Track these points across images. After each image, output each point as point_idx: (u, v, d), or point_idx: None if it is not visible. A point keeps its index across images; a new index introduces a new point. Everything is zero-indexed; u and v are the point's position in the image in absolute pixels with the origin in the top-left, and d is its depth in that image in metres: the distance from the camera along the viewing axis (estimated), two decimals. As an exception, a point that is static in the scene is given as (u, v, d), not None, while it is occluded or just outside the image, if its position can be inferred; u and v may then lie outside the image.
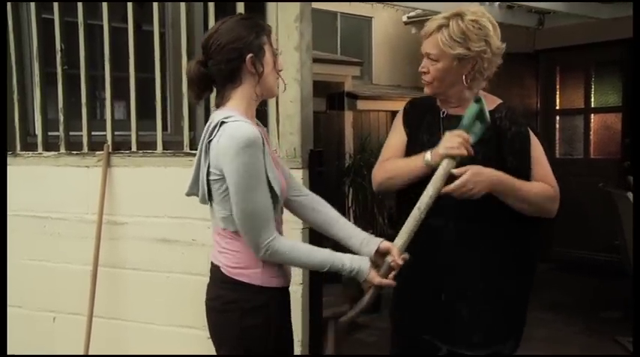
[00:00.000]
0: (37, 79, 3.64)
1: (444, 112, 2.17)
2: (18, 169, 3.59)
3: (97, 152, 3.43)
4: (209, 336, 2.04)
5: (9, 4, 3.64)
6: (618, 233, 4.95)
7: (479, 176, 1.95)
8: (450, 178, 1.95)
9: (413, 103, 2.32)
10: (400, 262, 1.96)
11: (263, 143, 1.85)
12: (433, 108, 2.20)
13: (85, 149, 3.50)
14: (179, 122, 3.47)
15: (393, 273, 1.97)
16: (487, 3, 5.82)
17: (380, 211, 5.98)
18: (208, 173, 1.90)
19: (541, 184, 2.08)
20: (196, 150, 3.25)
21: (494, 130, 2.08)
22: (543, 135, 7.21)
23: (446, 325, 2.12)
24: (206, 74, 1.93)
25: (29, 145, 3.71)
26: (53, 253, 3.53)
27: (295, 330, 2.17)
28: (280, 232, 1.97)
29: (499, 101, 2.18)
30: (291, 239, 2.00)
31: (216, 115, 1.91)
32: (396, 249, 1.97)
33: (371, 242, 2.02)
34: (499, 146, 2.08)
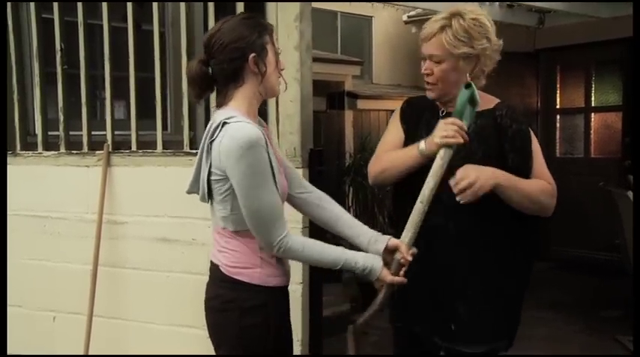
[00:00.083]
0: (37, 78, 3.64)
1: (443, 111, 2.17)
2: (18, 169, 3.59)
3: (97, 152, 3.43)
4: (209, 335, 2.04)
5: (9, 4, 3.64)
6: (618, 232, 4.95)
7: (481, 171, 1.96)
8: (450, 170, 1.96)
9: (410, 102, 2.32)
10: (409, 258, 1.97)
11: (266, 143, 1.85)
12: (431, 106, 2.20)
13: (85, 149, 3.50)
14: (179, 122, 3.48)
15: (404, 269, 1.98)
16: (487, 2, 5.82)
17: (380, 210, 5.98)
18: (210, 173, 1.90)
19: (540, 180, 2.09)
20: (196, 149, 3.25)
21: (495, 127, 2.08)
22: (544, 134, 7.33)
23: (444, 323, 2.12)
24: (208, 73, 1.92)
25: (29, 145, 3.71)
26: (53, 252, 3.53)
27: (295, 329, 2.17)
28: None
29: (497, 100, 2.18)
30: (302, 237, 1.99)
31: (218, 115, 1.91)
32: (404, 245, 1.98)
33: (379, 240, 2.02)
34: (500, 144, 2.08)
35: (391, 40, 8.74)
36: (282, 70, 2.01)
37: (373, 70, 8.97)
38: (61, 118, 3.57)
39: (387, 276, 1.96)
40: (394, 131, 2.25)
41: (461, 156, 1.99)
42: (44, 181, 3.56)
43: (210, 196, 1.94)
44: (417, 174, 2.06)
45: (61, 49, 3.55)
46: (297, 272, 2.79)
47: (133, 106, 3.41)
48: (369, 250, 2.01)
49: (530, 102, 7.36)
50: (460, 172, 1.95)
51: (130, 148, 3.41)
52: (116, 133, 3.47)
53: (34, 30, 3.63)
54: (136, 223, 3.32)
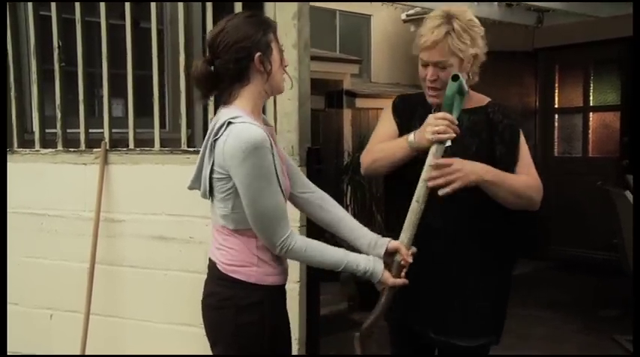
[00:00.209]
0: (34, 76, 3.63)
1: (435, 109, 2.17)
2: (15, 167, 3.58)
3: (95, 149, 3.42)
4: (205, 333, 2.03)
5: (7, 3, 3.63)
6: (617, 232, 4.95)
7: (465, 165, 1.97)
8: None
9: (403, 97, 2.33)
10: (410, 259, 1.99)
11: (271, 143, 1.85)
12: (424, 103, 2.21)
13: (83, 146, 3.50)
14: (177, 120, 3.47)
15: (404, 271, 1.99)
16: (486, 1, 5.81)
17: (378, 209, 5.97)
18: (212, 171, 1.90)
19: (525, 176, 2.11)
20: (194, 147, 3.29)
21: (487, 123, 2.12)
22: (542, 133, 7.32)
23: (440, 317, 2.14)
24: (213, 73, 1.92)
25: (26, 143, 3.70)
26: (50, 250, 3.53)
27: (292, 328, 2.17)
28: None
29: (488, 99, 2.21)
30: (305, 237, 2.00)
31: (222, 114, 1.91)
32: (404, 247, 1.99)
33: (379, 244, 2.03)
34: (491, 138, 2.11)
35: (390, 38, 8.74)
36: (286, 66, 2.02)
37: (372, 69, 8.98)
38: (59, 115, 3.57)
39: (389, 279, 1.98)
40: (387, 124, 2.26)
41: (454, 152, 2.01)
42: (41, 179, 3.56)
43: (211, 193, 1.94)
44: (406, 167, 2.08)
45: (59, 47, 3.54)
46: (294, 271, 2.79)
47: (131, 103, 3.41)
48: (370, 254, 2.02)
49: (528, 101, 7.36)
50: (445, 161, 1.96)
51: (128, 146, 3.40)
52: (114, 130, 3.47)
53: (31, 27, 3.62)
54: (133, 221, 3.32)
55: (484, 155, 2.06)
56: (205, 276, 2.05)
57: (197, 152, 3.07)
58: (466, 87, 2.00)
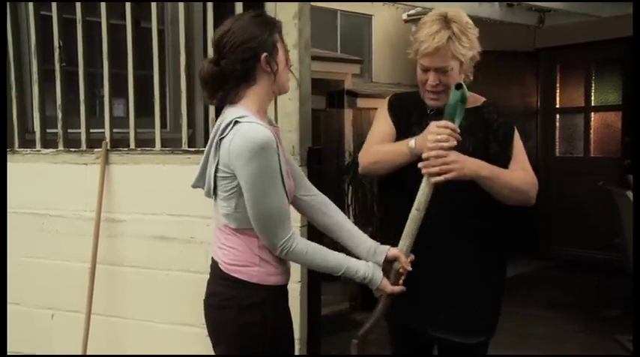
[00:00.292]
0: (35, 76, 3.63)
1: (431, 110, 2.19)
2: (16, 167, 3.58)
3: (96, 149, 3.42)
4: (207, 334, 2.03)
5: (7, 2, 3.63)
6: (618, 231, 4.94)
7: (463, 157, 1.99)
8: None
9: (397, 96, 2.34)
10: (409, 268, 2.01)
11: (277, 144, 1.85)
12: (420, 103, 2.22)
13: (84, 146, 3.49)
14: (178, 119, 3.47)
15: (402, 278, 2.02)
16: (488, 2, 5.81)
17: (379, 209, 5.98)
18: (217, 170, 1.90)
19: (521, 171, 2.14)
20: (195, 147, 3.28)
21: (483, 122, 2.14)
22: (543, 133, 7.31)
23: (438, 315, 2.16)
24: (219, 73, 1.91)
25: (27, 143, 3.70)
26: (51, 250, 3.52)
27: (294, 328, 2.16)
28: None
29: (483, 99, 2.23)
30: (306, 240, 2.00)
31: (229, 113, 1.90)
32: (403, 255, 2.01)
33: (378, 252, 2.04)
34: (485, 136, 2.14)
35: (391, 38, 8.74)
36: (290, 66, 2.02)
37: (373, 69, 8.98)
38: (60, 115, 3.57)
39: (387, 286, 2.00)
40: (384, 123, 2.26)
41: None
42: (42, 179, 3.55)
43: (215, 192, 1.95)
44: (401, 169, 2.11)
45: (60, 47, 3.54)
46: (295, 271, 2.78)
47: (132, 103, 3.41)
48: (369, 261, 2.03)
49: (530, 101, 7.36)
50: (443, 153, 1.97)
51: (129, 146, 3.40)
52: (114, 130, 3.47)
53: (32, 27, 3.62)
54: (134, 221, 3.32)
55: (480, 154, 2.07)
56: (206, 276, 2.05)
57: (198, 152, 3.11)
58: (467, 94, 2.01)
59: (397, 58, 8.69)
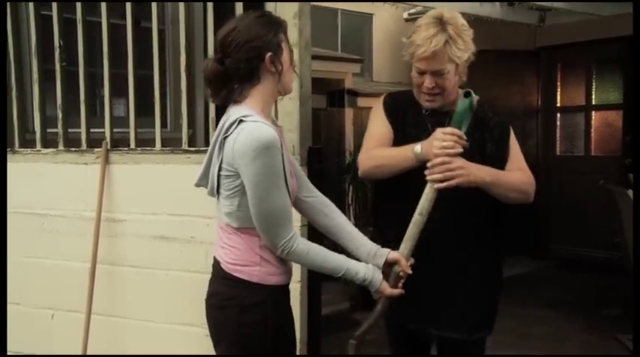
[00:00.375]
0: (35, 75, 3.63)
1: (426, 110, 2.20)
2: (16, 166, 3.58)
3: (96, 149, 3.42)
4: (208, 333, 2.03)
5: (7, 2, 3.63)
6: (618, 231, 4.94)
7: (469, 164, 2.01)
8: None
9: (392, 96, 2.35)
10: (409, 271, 2.02)
11: (281, 144, 1.86)
12: (414, 103, 2.22)
13: (84, 146, 3.49)
14: (178, 119, 3.47)
15: (402, 281, 2.03)
16: (489, 1, 5.80)
17: (374, 210, 5.96)
18: (220, 168, 1.90)
19: (519, 171, 2.18)
20: (195, 147, 3.28)
21: (478, 122, 2.15)
22: (544, 132, 7.31)
23: (437, 313, 2.17)
24: (223, 72, 1.91)
25: (27, 142, 3.70)
26: (52, 250, 3.52)
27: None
28: None
29: (477, 97, 2.22)
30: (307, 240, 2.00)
31: (233, 112, 1.90)
32: (404, 258, 2.02)
33: (379, 254, 2.05)
34: (482, 135, 2.15)
35: (391, 37, 8.72)
36: (294, 67, 2.02)
37: (373, 68, 8.96)
38: (60, 115, 3.56)
39: (387, 289, 2.00)
40: (381, 124, 2.26)
41: None
42: (42, 179, 3.55)
43: (217, 191, 1.95)
44: (404, 173, 2.11)
45: (60, 46, 3.54)
46: (295, 271, 2.75)
47: (132, 103, 3.40)
48: (369, 263, 2.04)
49: (530, 100, 7.36)
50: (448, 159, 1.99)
51: (129, 146, 3.40)
52: (115, 130, 3.46)
53: (32, 27, 3.62)
54: (134, 221, 3.32)
55: (477, 153, 2.09)
56: (206, 276, 2.05)
57: (198, 152, 3.11)
58: (474, 103, 2.04)
59: (398, 58, 8.60)
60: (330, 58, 7.40)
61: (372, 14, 8.86)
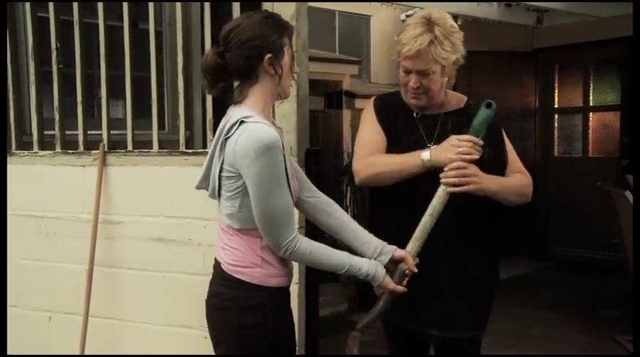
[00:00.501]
0: (32, 77, 3.62)
1: (417, 113, 2.21)
2: (13, 168, 3.57)
3: (93, 151, 3.41)
4: (206, 335, 2.03)
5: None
6: (616, 232, 4.94)
7: (481, 174, 2.03)
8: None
9: (382, 99, 2.37)
10: (415, 270, 2.03)
11: (282, 145, 1.86)
12: (404, 107, 2.24)
13: (81, 148, 3.48)
14: (175, 121, 3.46)
15: (407, 279, 2.03)
16: (486, 2, 5.80)
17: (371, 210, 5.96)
18: (221, 170, 1.90)
19: (519, 174, 2.22)
20: (192, 149, 3.28)
21: (470, 124, 2.14)
22: (542, 133, 7.31)
23: (435, 313, 2.18)
24: (222, 65, 1.91)
25: (25, 144, 3.69)
26: (49, 252, 3.52)
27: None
28: None
29: (465, 98, 2.26)
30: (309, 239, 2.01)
31: (234, 113, 1.90)
32: (410, 257, 2.03)
33: (384, 251, 2.05)
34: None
35: (389, 39, 8.66)
36: (295, 72, 2.02)
37: (371, 70, 8.97)
38: (57, 117, 3.55)
39: (390, 284, 2.01)
40: (374, 130, 2.26)
41: None
42: (40, 181, 3.54)
43: (219, 192, 1.95)
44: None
45: (57, 48, 3.53)
46: (293, 272, 2.78)
47: (129, 105, 3.39)
48: (375, 260, 2.04)
49: (528, 101, 7.36)
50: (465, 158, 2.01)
51: (126, 148, 3.39)
52: (112, 132, 3.45)
53: (29, 29, 3.60)
54: (131, 223, 3.31)
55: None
56: (204, 278, 2.06)
57: (196, 154, 3.11)
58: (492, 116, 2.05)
59: (395, 59, 8.69)
60: (327, 60, 7.41)
61: (369, 16, 8.87)
